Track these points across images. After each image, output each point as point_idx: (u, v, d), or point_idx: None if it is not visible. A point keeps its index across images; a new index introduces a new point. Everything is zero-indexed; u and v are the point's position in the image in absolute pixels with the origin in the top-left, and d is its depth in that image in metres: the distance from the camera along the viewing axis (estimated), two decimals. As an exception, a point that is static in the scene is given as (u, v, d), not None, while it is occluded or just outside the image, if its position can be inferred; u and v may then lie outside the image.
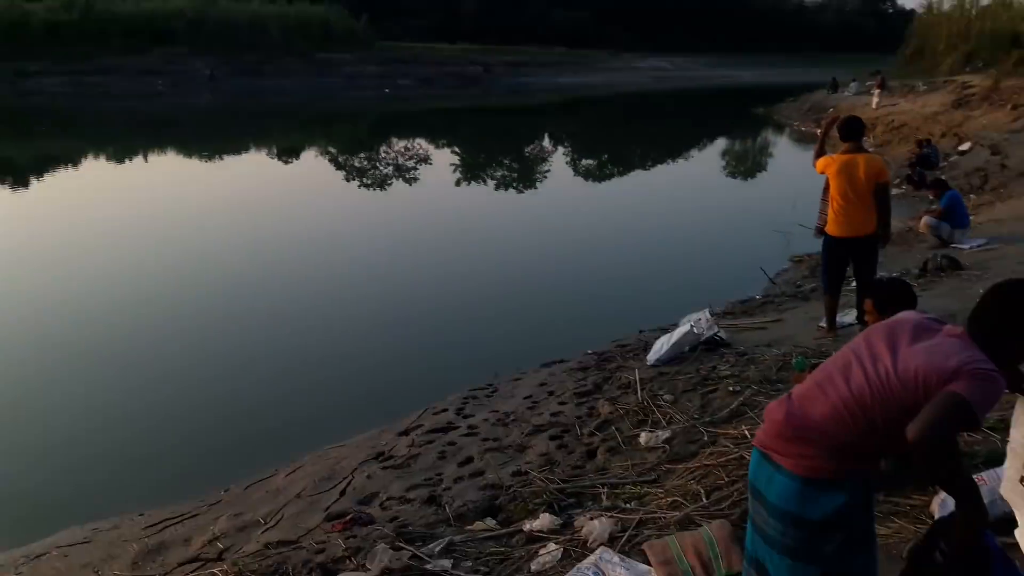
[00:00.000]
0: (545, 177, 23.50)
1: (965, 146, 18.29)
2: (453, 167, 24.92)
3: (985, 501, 3.00)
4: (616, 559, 3.67)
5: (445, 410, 6.51)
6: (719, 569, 3.41)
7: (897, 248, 10.28)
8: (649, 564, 3.59)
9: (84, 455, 6.40)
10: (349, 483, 5.37)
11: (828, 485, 2.18)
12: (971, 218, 10.33)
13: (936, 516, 3.35)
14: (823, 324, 6.80)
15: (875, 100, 27.72)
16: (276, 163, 26.18)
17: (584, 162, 27.91)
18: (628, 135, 34.22)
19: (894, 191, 16.75)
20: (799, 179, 21.14)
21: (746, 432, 4.79)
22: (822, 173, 6.38)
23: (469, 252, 12.84)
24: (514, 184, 22.57)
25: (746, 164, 27.15)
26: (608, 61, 69.55)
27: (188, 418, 6.98)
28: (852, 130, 6.31)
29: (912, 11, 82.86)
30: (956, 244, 9.39)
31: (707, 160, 27.93)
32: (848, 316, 6.88)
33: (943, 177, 12.43)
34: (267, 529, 4.88)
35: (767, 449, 2.31)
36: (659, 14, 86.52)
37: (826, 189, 6.41)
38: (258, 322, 9.37)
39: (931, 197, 10.53)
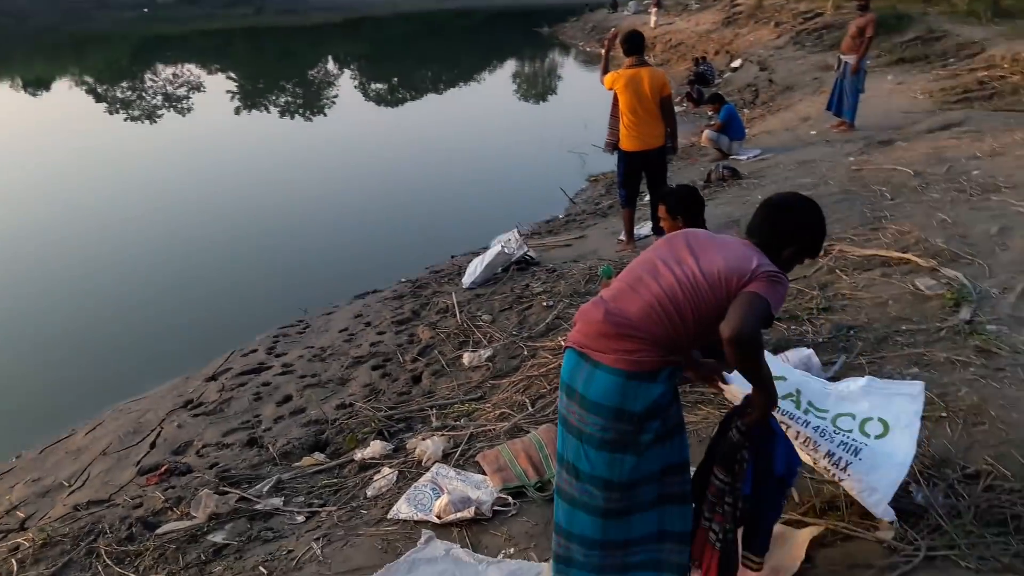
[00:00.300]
0: (333, 103, 22.65)
1: (736, 63, 19.50)
2: (231, 95, 23.43)
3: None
4: (452, 472, 3.75)
5: (255, 351, 6.28)
6: (549, 469, 3.56)
7: (681, 162, 10.91)
8: (484, 473, 3.69)
9: None
10: (158, 434, 5.09)
11: (647, 377, 2.28)
12: (746, 131, 11.11)
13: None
14: (622, 237, 7.13)
15: (653, 19, 28.77)
16: (22, 96, 23.31)
17: (374, 86, 27.14)
18: (417, 57, 33.55)
19: (675, 108, 17.80)
20: (588, 99, 21.80)
21: (562, 342, 4.98)
22: (610, 89, 6.54)
23: (264, 186, 12.22)
24: (300, 112, 21.56)
25: (537, 86, 27.48)
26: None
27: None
28: (634, 44, 6.49)
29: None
30: (735, 155, 10.07)
31: (498, 83, 28.09)
32: (644, 228, 7.25)
33: (720, 92, 13.24)
34: (73, 491, 4.54)
35: (585, 348, 2.36)
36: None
37: (615, 105, 6.58)
38: (33, 272, 8.47)
39: (710, 112, 11.20)
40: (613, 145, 6.76)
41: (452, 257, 8.36)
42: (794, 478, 2.64)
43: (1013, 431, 3.07)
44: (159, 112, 20.92)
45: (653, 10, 29.34)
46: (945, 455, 3.05)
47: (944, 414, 3.24)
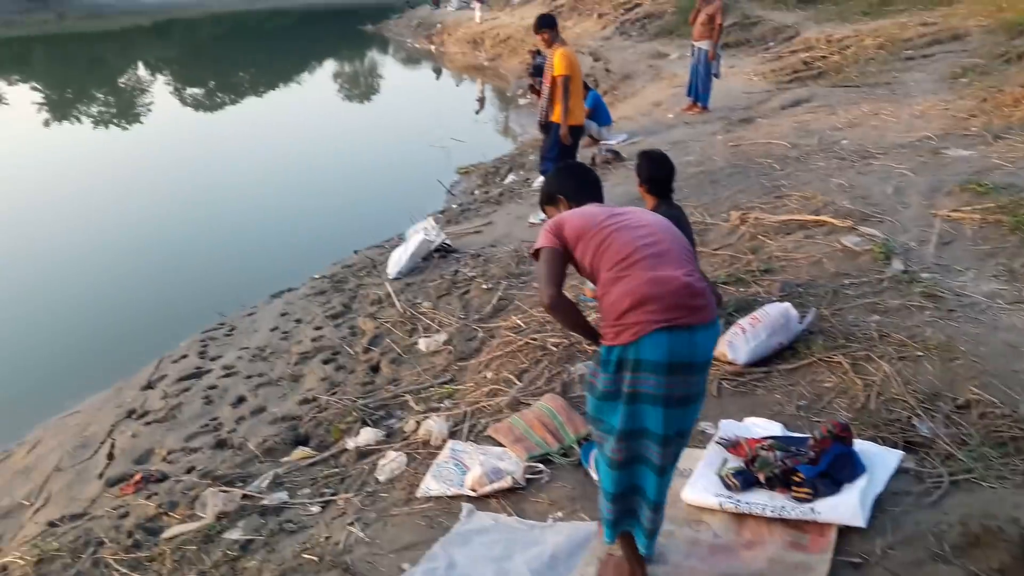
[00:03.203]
0: (149, 110, 21.36)
1: (569, 54, 20.22)
2: (37, 106, 21.62)
3: (763, 337, 3.74)
4: (469, 447, 3.85)
5: (185, 356, 6.02)
6: (567, 435, 3.76)
7: (554, 149, 11.30)
8: (501, 446, 3.83)
9: None
10: (113, 446, 4.83)
11: (716, 319, 2.56)
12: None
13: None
14: (532, 220, 7.38)
15: (478, 15, 29.23)
16: None
17: (190, 91, 25.67)
18: (231, 60, 32.21)
19: (521, 101, 18.31)
20: (431, 94, 22.00)
21: (519, 322, 5.17)
22: (569, 70, 6.84)
23: (131, 199, 11.38)
24: (114, 120, 20.07)
25: (377, 85, 27.02)
26: (195, -22, 64.30)
27: None
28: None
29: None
30: (605, 140, 10.52)
31: (333, 82, 27.56)
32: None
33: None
34: (38, 509, 4.28)
35: (679, 320, 2.41)
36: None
37: (570, 83, 6.85)
38: None
39: (577, 100, 11.67)
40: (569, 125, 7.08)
41: (355, 252, 8.30)
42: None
43: (987, 363, 3.51)
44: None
45: (477, 5, 29.77)
46: (934, 389, 3.44)
47: (920, 353, 3.65)
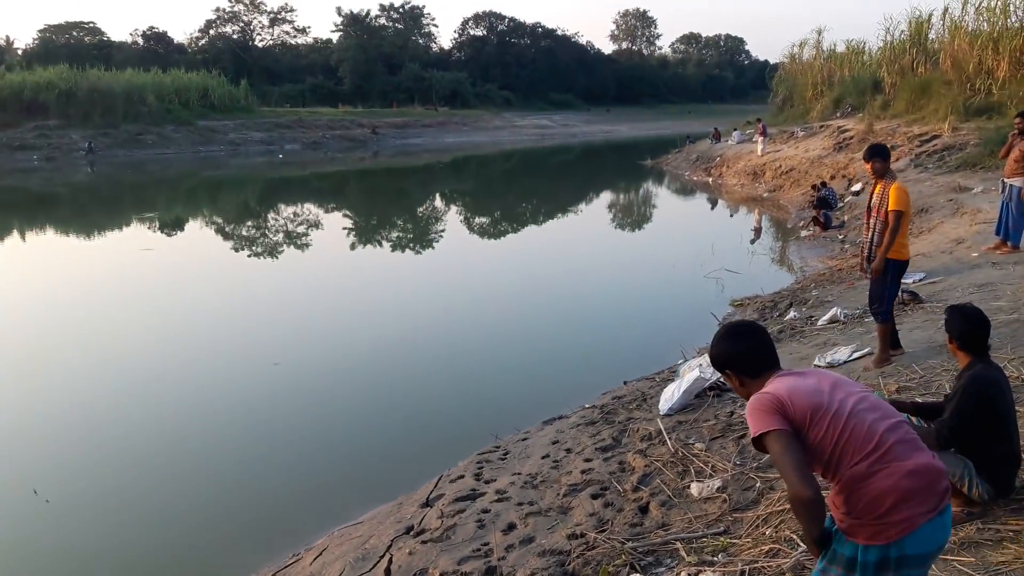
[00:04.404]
0: (441, 236, 23.22)
1: (857, 186, 19.45)
2: (346, 231, 24.37)
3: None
4: (747, 614, 3.59)
5: (462, 476, 6.26)
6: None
7: (838, 287, 10.76)
8: (781, 615, 3.53)
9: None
10: (390, 561, 5.07)
11: None
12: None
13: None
14: (818, 362, 6.98)
15: (759, 147, 29.21)
16: (158, 236, 24.44)
17: (478, 220, 27.70)
18: (518, 191, 34.59)
19: (802, 233, 17.75)
20: (707, 226, 22.04)
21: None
22: (904, 209, 6.53)
23: (418, 321, 12.32)
24: (410, 245, 21.89)
25: (651, 215, 27.65)
26: (491, 120, 71.37)
27: (179, 511, 6.46)
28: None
29: (765, 62, 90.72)
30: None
31: (608, 212, 28.62)
32: (839, 353, 7.10)
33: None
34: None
35: (938, 508, 2.35)
36: (532, 74, 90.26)
37: (899, 221, 6.49)
38: (231, 407, 8.72)
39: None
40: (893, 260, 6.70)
41: (624, 382, 8.33)
42: None
43: None
44: (306, 245, 21.56)
45: (759, 138, 29.78)
46: None
47: None
